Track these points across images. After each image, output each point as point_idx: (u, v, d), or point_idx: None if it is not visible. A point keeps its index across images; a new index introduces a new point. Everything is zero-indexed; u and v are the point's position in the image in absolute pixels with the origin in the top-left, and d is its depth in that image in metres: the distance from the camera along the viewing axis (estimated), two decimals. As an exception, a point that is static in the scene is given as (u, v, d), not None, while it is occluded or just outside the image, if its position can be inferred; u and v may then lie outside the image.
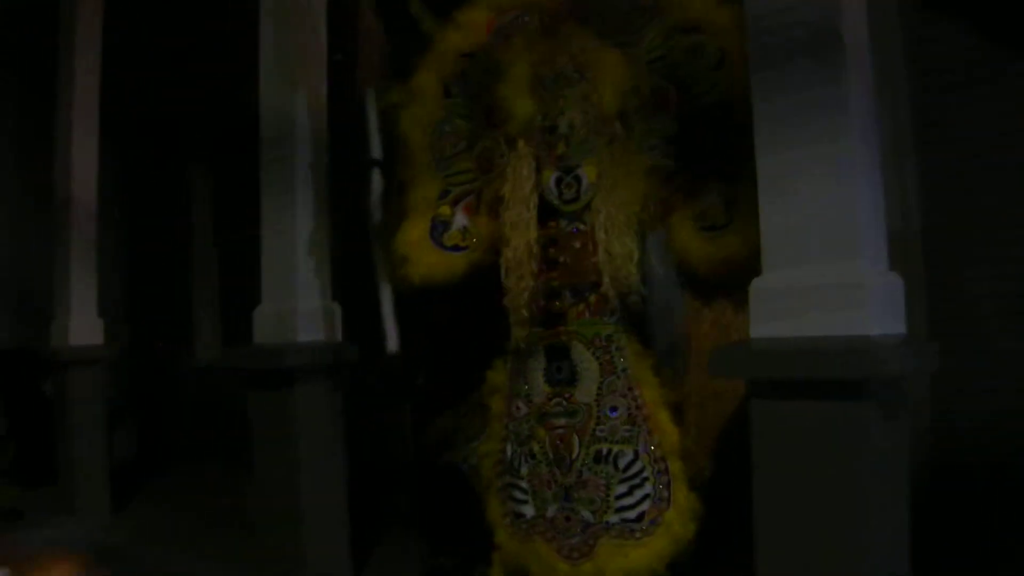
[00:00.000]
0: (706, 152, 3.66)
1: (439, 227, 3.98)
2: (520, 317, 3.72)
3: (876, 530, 3.04)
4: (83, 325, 6.63)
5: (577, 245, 3.68)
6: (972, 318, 4.61)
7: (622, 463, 3.55)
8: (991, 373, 4.51)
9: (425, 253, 3.96)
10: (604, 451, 3.57)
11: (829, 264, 3.13)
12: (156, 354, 8.48)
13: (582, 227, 3.68)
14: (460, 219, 3.99)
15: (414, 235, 4.00)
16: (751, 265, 3.28)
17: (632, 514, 3.51)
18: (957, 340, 4.28)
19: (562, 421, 3.62)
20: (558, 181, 3.71)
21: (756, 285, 3.27)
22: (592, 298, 3.65)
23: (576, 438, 3.60)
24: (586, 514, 3.56)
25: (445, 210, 4.01)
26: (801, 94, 3.19)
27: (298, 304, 4.80)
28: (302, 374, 4.71)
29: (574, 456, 3.59)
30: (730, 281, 3.59)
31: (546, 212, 3.74)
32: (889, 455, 3.13)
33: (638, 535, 3.49)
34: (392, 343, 5.32)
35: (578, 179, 3.68)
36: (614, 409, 3.60)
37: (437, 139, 4.10)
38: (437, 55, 4.14)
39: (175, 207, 8.70)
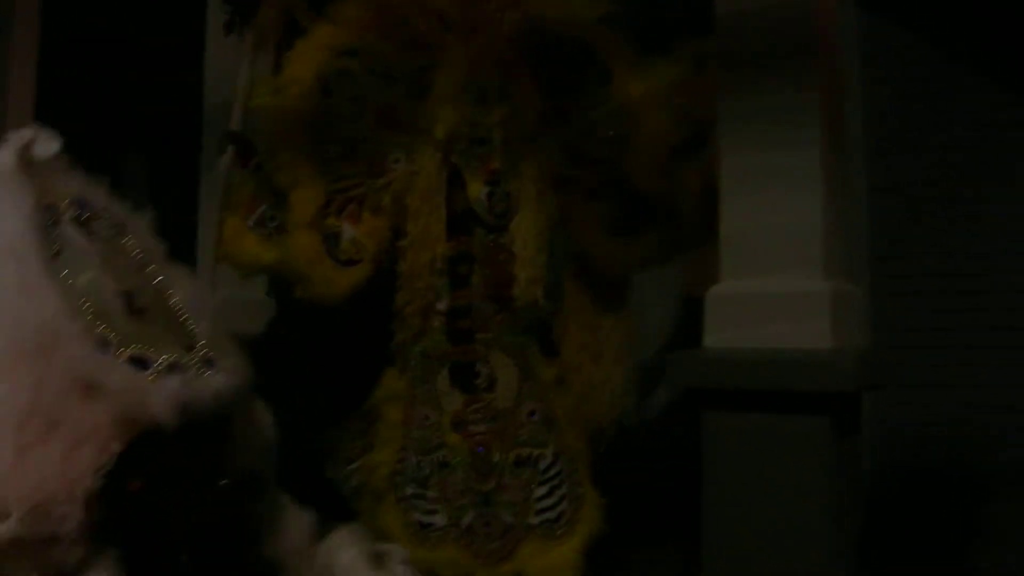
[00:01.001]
0: (603, 162, 3.68)
1: (331, 240, 3.70)
2: (414, 331, 3.63)
3: (828, 544, 2.99)
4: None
5: (502, 257, 3.58)
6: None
7: (542, 465, 3.54)
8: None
9: (324, 270, 3.70)
10: (525, 455, 3.55)
11: (790, 274, 3.08)
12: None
13: (503, 240, 3.60)
14: (348, 230, 3.72)
15: (309, 251, 3.69)
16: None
17: (553, 514, 3.51)
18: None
19: (482, 427, 3.55)
20: (489, 196, 3.60)
21: (713, 293, 3.20)
22: (510, 309, 3.57)
23: (497, 444, 3.55)
24: (507, 518, 3.53)
25: (332, 221, 3.72)
26: (770, 97, 3.14)
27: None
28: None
29: (494, 462, 3.54)
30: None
31: (458, 226, 3.60)
32: (844, 469, 3.09)
33: (559, 533, 3.49)
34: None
35: (507, 195, 3.59)
36: (533, 413, 3.57)
37: (317, 142, 3.80)
38: (312, 49, 3.79)
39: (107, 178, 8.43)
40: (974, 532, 4.22)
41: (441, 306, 3.57)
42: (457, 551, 3.53)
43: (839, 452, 3.04)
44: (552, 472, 3.52)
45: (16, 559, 1.97)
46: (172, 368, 2.09)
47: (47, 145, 2.32)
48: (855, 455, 3.23)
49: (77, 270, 2.20)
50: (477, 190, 3.59)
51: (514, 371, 3.57)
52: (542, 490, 3.52)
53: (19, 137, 2.28)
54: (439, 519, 3.57)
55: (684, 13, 3.80)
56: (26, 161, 2.25)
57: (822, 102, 3.15)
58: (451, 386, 3.60)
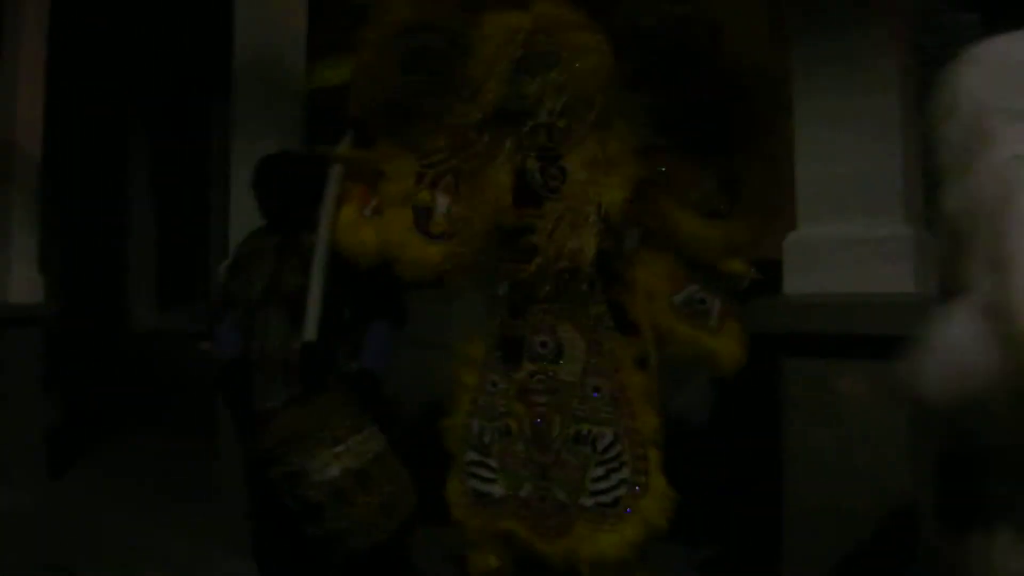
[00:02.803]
0: (699, 132, 3.40)
1: (423, 215, 3.64)
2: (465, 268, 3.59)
3: (910, 492, 2.95)
4: (23, 281, 6.25)
5: (566, 227, 3.41)
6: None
7: (601, 445, 3.36)
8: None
9: (415, 246, 3.62)
10: (584, 432, 3.38)
11: (870, 219, 3.06)
12: (89, 317, 8.11)
13: (573, 213, 3.41)
14: (442, 202, 3.65)
15: (401, 227, 3.64)
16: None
17: (608, 498, 3.33)
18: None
19: (543, 399, 3.41)
20: (542, 171, 3.44)
21: (791, 239, 3.18)
22: (578, 281, 3.39)
23: (557, 417, 3.40)
24: (561, 495, 3.37)
25: (425, 195, 3.66)
26: (847, 42, 3.10)
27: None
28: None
29: (554, 435, 3.40)
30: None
31: (524, 199, 3.47)
32: (924, 415, 3.05)
33: (611, 520, 3.31)
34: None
35: (562, 170, 3.42)
36: (597, 390, 3.39)
37: (399, 119, 3.73)
38: (386, 27, 3.73)
39: (111, 168, 8.36)
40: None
41: (505, 278, 3.47)
42: (514, 524, 3.41)
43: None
44: (611, 454, 3.34)
45: None
46: None
47: None
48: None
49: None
50: (532, 164, 3.46)
51: (582, 344, 3.42)
52: (599, 471, 3.35)
53: None
54: (497, 489, 3.47)
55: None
56: None
57: (899, 46, 3.13)
58: (522, 353, 3.48)
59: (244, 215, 4.61)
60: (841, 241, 3.07)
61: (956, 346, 1.53)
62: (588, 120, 3.38)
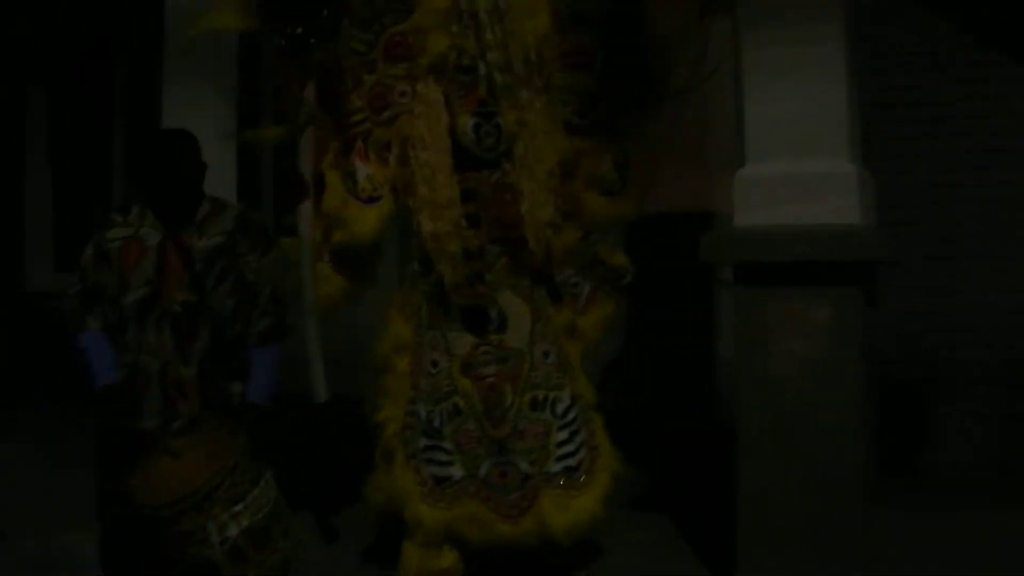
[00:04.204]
0: (615, 112, 3.52)
1: (350, 179, 3.55)
2: (451, 255, 3.38)
3: (857, 413, 3.17)
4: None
5: (507, 197, 3.40)
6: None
7: (560, 408, 3.36)
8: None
9: (351, 209, 3.53)
10: (540, 397, 3.36)
11: (815, 156, 3.25)
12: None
13: (505, 179, 3.41)
14: (361, 168, 3.55)
15: (336, 193, 3.56)
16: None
17: (573, 461, 3.33)
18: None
19: (492, 369, 3.36)
20: (476, 128, 3.39)
21: (740, 176, 3.35)
22: (518, 253, 3.40)
23: (509, 386, 3.35)
24: (524, 466, 3.31)
25: (351, 160, 3.57)
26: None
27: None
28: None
29: (507, 405, 3.34)
30: None
31: (461, 162, 3.42)
32: (864, 342, 3.28)
33: (581, 481, 3.31)
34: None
35: (498, 127, 3.38)
36: (547, 354, 3.40)
37: (328, 78, 3.60)
38: None
39: (8, 125, 8.08)
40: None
41: (452, 247, 3.38)
42: (476, 506, 3.32)
43: (862, 324, 3.24)
44: (571, 416, 3.36)
45: None
46: None
47: None
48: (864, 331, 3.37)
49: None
50: (464, 122, 3.41)
51: (526, 311, 3.42)
52: (562, 435, 3.34)
53: None
54: (456, 471, 3.37)
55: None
56: None
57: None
58: (462, 329, 3.42)
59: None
60: (788, 177, 3.25)
61: None
62: (529, 81, 3.37)
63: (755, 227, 3.29)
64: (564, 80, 3.47)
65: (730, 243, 3.33)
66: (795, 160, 3.26)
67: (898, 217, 4.50)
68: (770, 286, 3.24)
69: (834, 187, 3.20)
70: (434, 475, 3.36)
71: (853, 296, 3.17)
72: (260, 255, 3.09)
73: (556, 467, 3.32)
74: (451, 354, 3.41)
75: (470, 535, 3.32)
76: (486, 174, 3.42)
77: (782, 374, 3.22)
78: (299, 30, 3.51)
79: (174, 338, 3.01)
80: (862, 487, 3.22)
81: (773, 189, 3.27)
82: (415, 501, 3.32)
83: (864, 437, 3.30)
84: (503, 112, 3.38)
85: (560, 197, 3.37)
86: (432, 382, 3.41)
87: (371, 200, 3.52)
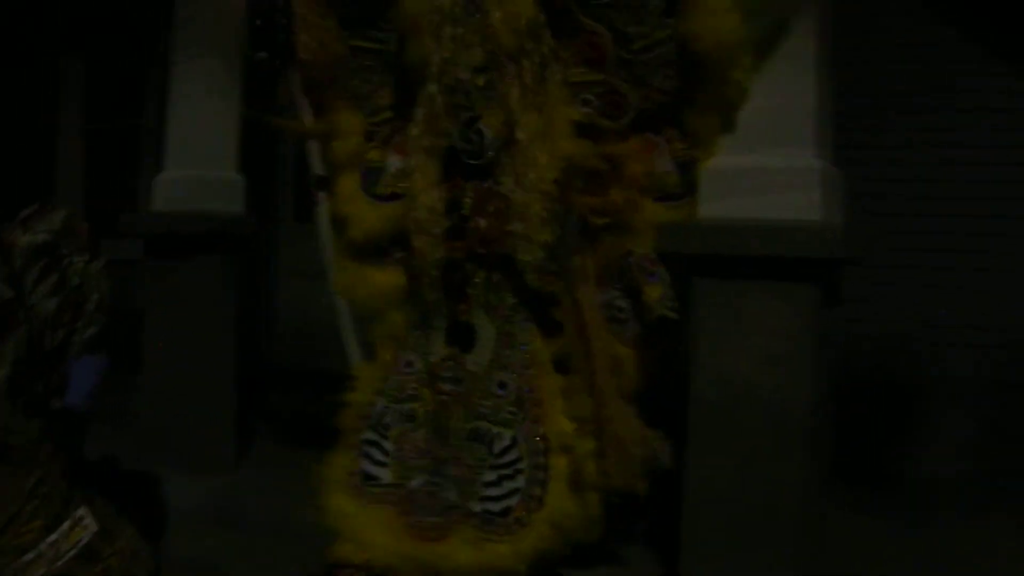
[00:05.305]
0: (655, 110, 3.29)
1: (370, 176, 3.51)
2: (429, 280, 3.30)
3: (811, 408, 3.14)
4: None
5: (490, 208, 3.26)
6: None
7: (497, 447, 3.19)
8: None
9: (362, 209, 3.49)
10: (483, 430, 3.21)
11: (780, 150, 3.20)
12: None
13: (494, 189, 3.26)
14: (394, 161, 3.49)
15: (348, 189, 3.53)
16: None
17: (497, 507, 3.12)
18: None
19: (448, 386, 3.26)
20: (461, 133, 3.27)
21: (707, 167, 3.32)
22: (500, 270, 3.27)
23: (459, 409, 3.24)
24: (451, 495, 3.19)
25: (374, 155, 3.54)
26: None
27: (203, 173, 4.67)
28: (200, 242, 4.56)
29: (452, 427, 3.24)
30: None
31: (451, 168, 3.32)
32: (825, 342, 3.23)
33: (500, 532, 3.10)
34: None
35: (479, 133, 3.23)
36: (503, 385, 3.23)
37: (346, 77, 3.59)
38: None
39: (42, 95, 8.26)
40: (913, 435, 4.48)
41: (435, 255, 3.27)
42: (392, 515, 3.22)
43: (823, 324, 3.20)
44: (507, 459, 3.16)
45: None
46: None
47: None
48: (830, 332, 3.34)
49: None
50: (447, 126, 3.31)
51: (492, 333, 3.25)
52: (490, 476, 3.16)
53: None
54: (384, 474, 3.29)
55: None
56: None
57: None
58: (441, 335, 3.33)
59: (180, 145, 4.68)
60: (753, 170, 3.21)
61: None
62: (515, 78, 3.18)
63: (715, 219, 3.26)
64: (583, 77, 3.30)
65: (689, 234, 3.29)
66: (759, 153, 3.22)
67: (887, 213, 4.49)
68: (728, 279, 3.21)
69: (796, 182, 3.16)
70: (364, 470, 3.28)
71: (811, 294, 3.13)
72: (87, 260, 2.98)
73: (478, 507, 3.13)
74: (426, 360, 3.34)
75: (368, 540, 3.18)
76: (476, 183, 3.29)
77: (735, 368, 3.19)
78: (263, 54, 3.51)
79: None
80: (815, 489, 3.19)
81: (736, 181, 3.23)
82: (336, 489, 3.26)
83: (823, 437, 3.26)
84: (485, 116, 3.23)
85: (606, 207, 3.26)
86: (400, 381, 3.36)
87: (391, 198, 3.45)
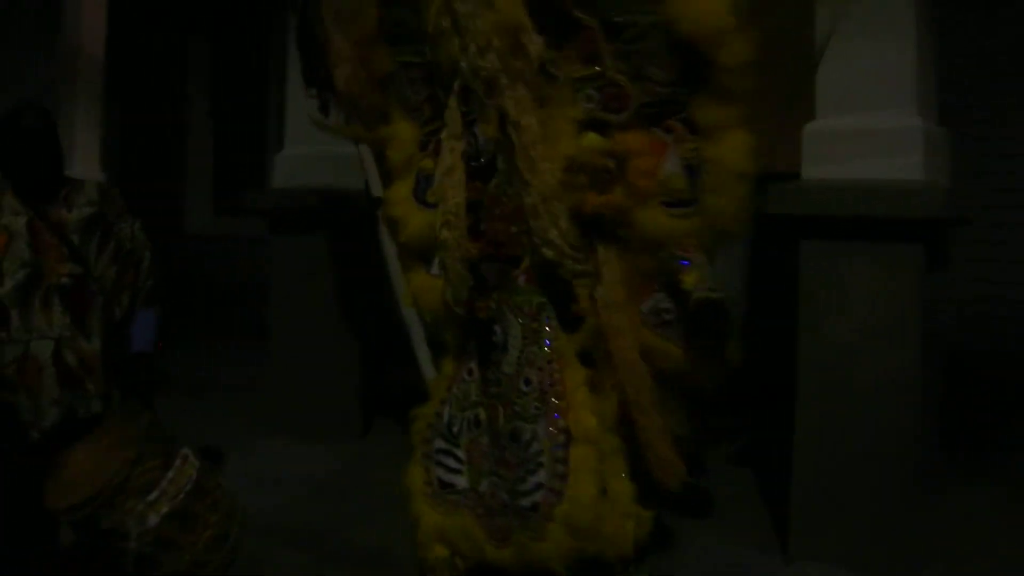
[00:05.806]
0: (659, 104, 3.12)
1: (422, 183, 3.50)
2: (459, 275, 3.27)
3: (919, 370, 3.18)
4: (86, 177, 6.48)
5: (496, 211, 3.25)
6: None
7: (522, 442, 3.15)
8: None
9: (410, 213, 3.52)
10: (519, 429, 3.16)
11: (885, 111, 3.23)
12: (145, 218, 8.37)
13: (500, 191, 3.24)
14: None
15: (400, 194, 3.55)
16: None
17: (528, 502, 3.07)
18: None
19: (493, 389, 3.25)
20: (465, 137, 3.29)
21: (810, 129, 3.36)
22: (520, 271, 3.23)
23: (501, 410, 3.21)
24: (504, 495, 3.16)
25: (428, 163, 3.51)
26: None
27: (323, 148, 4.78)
28: (321, 218, 4.74)
29: (499, 429, 3.22)
30: None
31: (473, 172, 3.30)
32: (927, 304, 3.27)
33: (534, 527, 3.05)
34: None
35: (474, 135, 3.24)
36: (528, 382, 3.17)
37: (401, 89, 3.62)
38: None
39: (172, 77, 8.60)
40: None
41: (461, 252, 3.25)
42: (471, 520, 3.23)
43: (926, 285, 3.23)
44: (530, 452, 3.12)
45: None
46: None
47: None
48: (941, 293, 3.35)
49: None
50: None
51: (518, 332, 3.23)
52: (521, 472, 3.12)
53: None
54: (461, 480, 3.31)
55: None
56: None
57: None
58: (481, 342, 3.32)
59: (300, 124, 4.72)
60: (856, 131, 3.25)
61: None
62: (519, 72, 3.12)
63: (820, 180, 3.30)
64: (583, 72, 3.20)
65: (796, 195, 3.33)
66: (862, 114, 3.25)
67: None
68: (832, 240, 3.26)
69: (900, 143, 3.19)
70: (440, 479, 3.34)
71: (914, 255, 3.15)
72: (131, 222, 3.24)
73: (524, 502, 3.10)
74: (476, 366, 3.36)
75: (461, 547, 3.24)
76: (489, 185, 3.28)
77: (840, 329, 3.24)
78: (312, 91, 3.74)
79: (68, 313, 3.01)
80: (919, 458, 3.23)
81: (840, 143, 3.28)
82: (418, 498, 3.32)
83: (930, 398, 3.28)
84: (479, 120, 3.24)
85: (610, 211, 3.12)
86: (464, 389, 3.38)
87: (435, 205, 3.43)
